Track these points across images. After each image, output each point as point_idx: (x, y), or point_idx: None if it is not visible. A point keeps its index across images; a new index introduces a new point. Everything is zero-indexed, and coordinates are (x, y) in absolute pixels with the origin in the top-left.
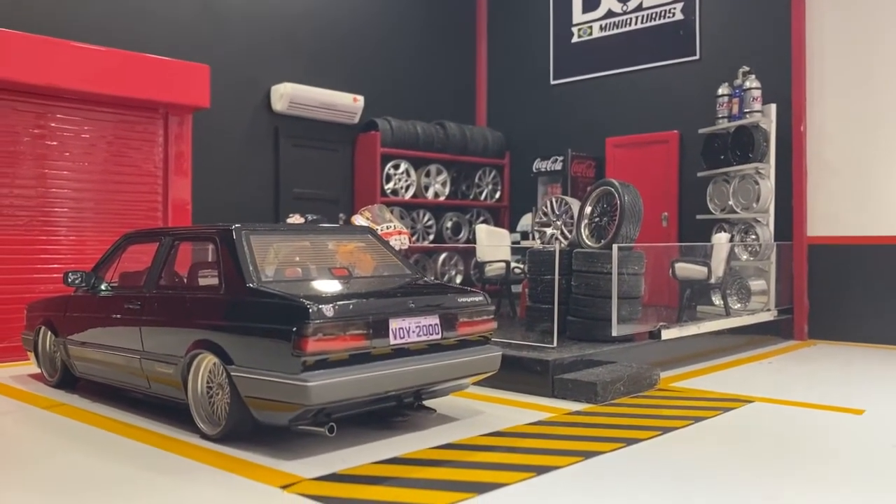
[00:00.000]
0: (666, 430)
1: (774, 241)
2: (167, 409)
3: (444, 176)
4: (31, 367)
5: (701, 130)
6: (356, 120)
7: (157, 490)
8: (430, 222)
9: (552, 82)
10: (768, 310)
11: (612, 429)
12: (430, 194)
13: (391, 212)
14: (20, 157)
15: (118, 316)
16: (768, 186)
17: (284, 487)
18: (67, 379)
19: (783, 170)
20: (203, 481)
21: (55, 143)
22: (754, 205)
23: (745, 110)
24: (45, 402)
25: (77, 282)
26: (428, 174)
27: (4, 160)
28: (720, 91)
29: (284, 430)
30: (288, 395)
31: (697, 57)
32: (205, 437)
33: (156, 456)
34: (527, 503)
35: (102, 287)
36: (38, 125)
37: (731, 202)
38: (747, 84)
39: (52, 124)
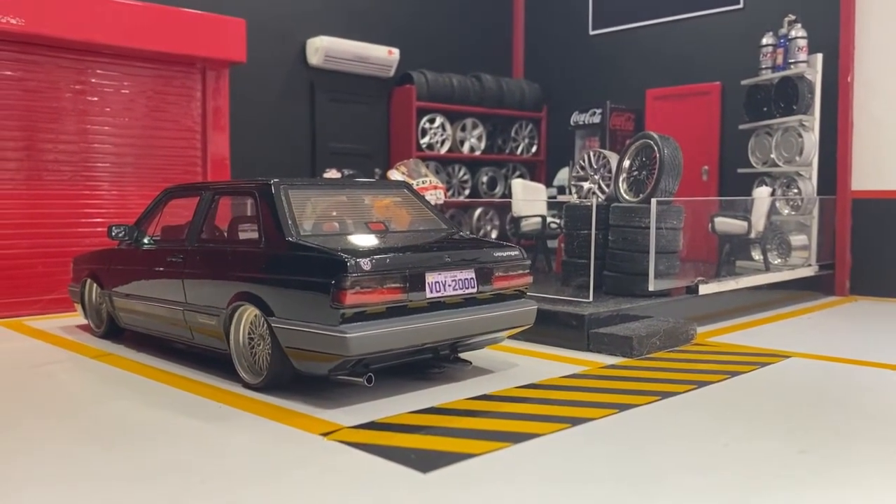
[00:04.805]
0: (701, 384)
1: (817, 195)
2: (210, 359)
3: (479, 130)
4: (78, 318)
5: (744, 81)
6: (391, 73)
7: (201, 435)
8: (465, 177)
9: (591, 33)
10: (809, 265)
11: (647, 382)
12: (465, 148)
13: (427, 166)
14: (63, 112)
15: (161, 269)
16: (812, 139)
17: (325, 435)
18: (113, 330)
19: (828, 122)
20: (246, 428)
21: (96, 98)
22: (797, 158)
23: (790, 60)
24: (93, 351)
25: (121, 235)
26: (463, 128)
27: (48, 116)
28: (764, 40)
29: (324, 379)
30: (327, 346)
31: (741, 5)
32: (247, 386)
33: (200, 404)
34: (561, 454)
35: (145, 241)
36: (78, 81)
37: (773, 155)
38: (793, 33)
39: (93, 80)
